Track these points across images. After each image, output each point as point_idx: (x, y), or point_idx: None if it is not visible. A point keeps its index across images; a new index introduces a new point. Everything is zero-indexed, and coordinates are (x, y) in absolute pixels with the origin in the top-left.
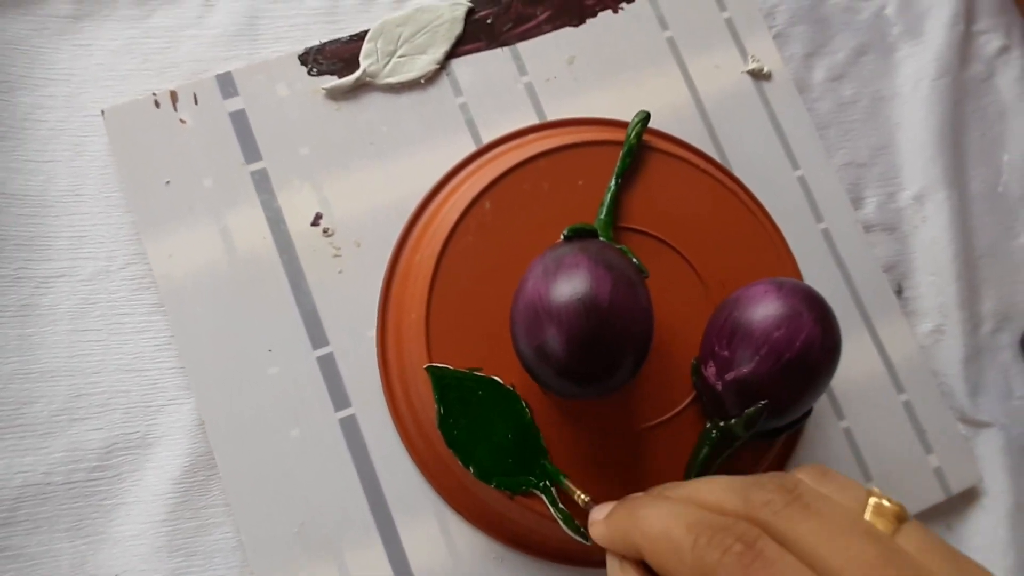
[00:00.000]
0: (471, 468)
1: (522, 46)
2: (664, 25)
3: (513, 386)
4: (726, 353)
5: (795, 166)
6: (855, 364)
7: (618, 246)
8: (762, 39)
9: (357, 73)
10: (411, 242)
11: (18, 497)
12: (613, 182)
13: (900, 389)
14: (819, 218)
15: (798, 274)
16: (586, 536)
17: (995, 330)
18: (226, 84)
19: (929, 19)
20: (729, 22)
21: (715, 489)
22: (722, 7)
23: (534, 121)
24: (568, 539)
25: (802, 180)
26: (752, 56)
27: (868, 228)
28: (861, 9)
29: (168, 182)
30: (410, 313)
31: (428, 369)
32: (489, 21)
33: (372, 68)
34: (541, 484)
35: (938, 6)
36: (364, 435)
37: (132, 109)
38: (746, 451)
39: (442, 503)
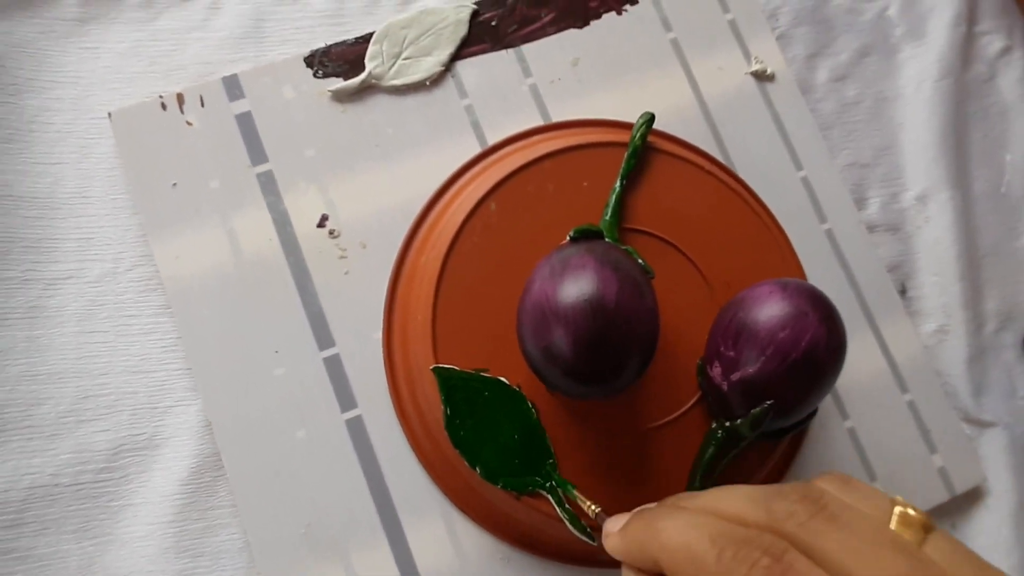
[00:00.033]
0: (477, 469)
1: (526, 48)
2: (668, 27)
3: (519, 387)
4: (732, 353)
5: (799, 167)
6: (859, 364)
7: (624, 247)
8: (765, 40)
9: (362, 75)
10: (417, 243)
11: (26, 499)
12: (618, 183)
13: (904, 389)
14: (823, 219)
15: (802, 274)
16: (592, 536)
17: (999, 330)
18: (232, 86)
19: (931, 20)
20: (732, 24)
21: (735, 499)
22: (725, 9)
23: (539, 123)
24: (575, 539)
25: (806, 181)
26: (755, 57)
27: (872, 228)
28: (864, 10)
29: (175, 184)
30: (416, 314)
31: (434, 370)
32: (494, 23)
33: (377, 70)
34: (547, 484)
35: (940, 7)
36: (370, 436)
37: (139, 111)
38: (752, 451)
39: (448, 504)
